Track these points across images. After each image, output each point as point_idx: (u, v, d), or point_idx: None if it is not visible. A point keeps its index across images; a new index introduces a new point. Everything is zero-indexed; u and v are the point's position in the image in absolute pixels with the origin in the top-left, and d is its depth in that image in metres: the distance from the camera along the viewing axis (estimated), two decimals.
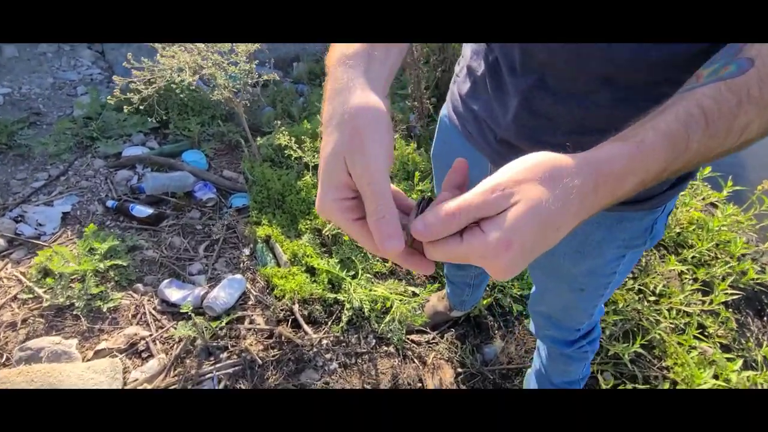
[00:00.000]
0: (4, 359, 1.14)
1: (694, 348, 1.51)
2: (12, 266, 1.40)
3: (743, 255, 1.90)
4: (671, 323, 1.60)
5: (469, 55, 0.68)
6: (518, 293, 1.58)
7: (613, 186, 0.33)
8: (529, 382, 1.21)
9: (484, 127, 0.67)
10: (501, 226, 0.31)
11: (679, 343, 1.51)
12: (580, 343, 0.94)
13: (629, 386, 1.37)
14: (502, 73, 0.60)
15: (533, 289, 0.93)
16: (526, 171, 0.32)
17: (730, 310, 1.74)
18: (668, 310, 1.63)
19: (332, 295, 1.46)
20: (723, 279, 1.71)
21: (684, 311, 1.63)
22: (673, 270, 1.81)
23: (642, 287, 1.69)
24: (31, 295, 1.31)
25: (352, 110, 0.37)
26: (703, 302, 1.66)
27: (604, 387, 1.34)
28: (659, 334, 1.54)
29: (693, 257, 1.83)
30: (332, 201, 0.37)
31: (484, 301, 1.54)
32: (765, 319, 1.77)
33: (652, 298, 1.69)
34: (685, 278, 1.77)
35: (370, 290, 1.51)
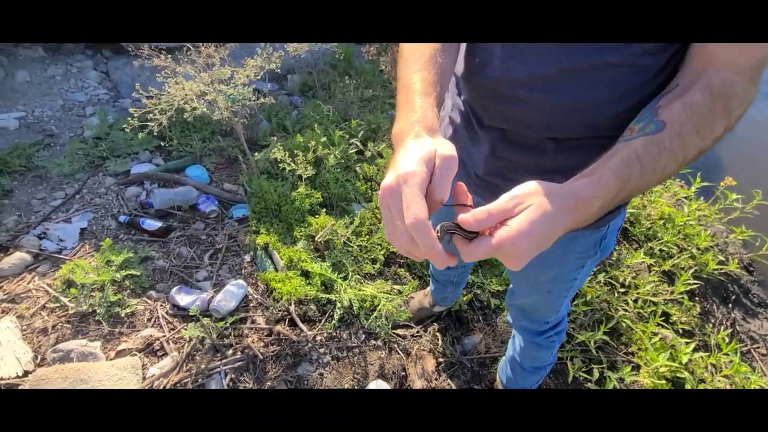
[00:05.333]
0: (39, 360, 1.31)
1: (656, 334, 1.65)
2: (39, 279, 1.56)
3: (710, 247, 2.04)
4: (637, 312, 1.75)
5: (449, 106, 0.85)
6: (496, 289, 1.73)
7: (585, 206, 0.46)
8: (503, 368, 1.37)
9: (465, 164, 0.83)
10: (523, 219, 0.43)
11: (643, 330, 1.65)
12: (548, 333, 1.10)
13: (595, 372, 1.51)
14: (474, 126, 0.76)
15: (510, 286, 1.09)
16: (533, 189, 0.46)
17: (697, 298, 1.88)
18: (635, 300, 1.77)
19: (325, 296, 1.62)
20: (686, 270, 1.84)
21: (650, 301, 1.77)
22: (643, 262, 1.95)
23: (611, 279, 1.84)
24: (57, 304, 1.48)
25: (404, 171, 0.46)
26: (671, 292, 1.80)
27: (572, 371, 1.49)
28: (625, 323, 1.68)
29: (660, 250, 1.97)
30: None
31: (465, 297, 1.69)
32: (729, 306, 1.91)
33: (621, 290, 1.83)
34: (654, 270, 1.91)
35: (359, 290, 1.67)
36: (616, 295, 1.79)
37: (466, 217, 0.45)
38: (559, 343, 1.18)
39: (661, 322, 1.70)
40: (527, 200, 0.44)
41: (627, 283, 1.84)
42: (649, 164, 0.50)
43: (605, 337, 1.59)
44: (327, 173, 2.04)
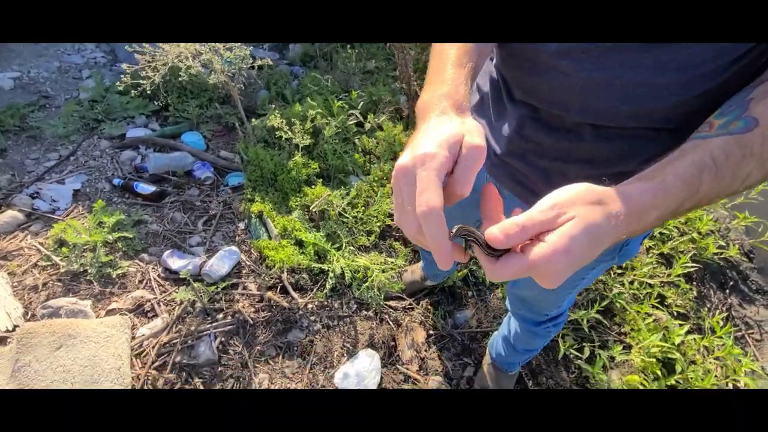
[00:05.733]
0: (30, 316, 1.31)
1: (651, 315, 1.64)
2: (31, 237, 1.56)
3: (711, 232, 2.00)
4: (633, 294, 1.73)
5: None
6: None
7: (639, 217, 0.39)
8: (494, 343, 1.36)
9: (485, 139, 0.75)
10: (562, 234, 0.36)
11: (637, 311, 1.64)
12: (546, 324, 1.07)
13: (586, 349, 1.51)
14: (503, 98, 0.67)
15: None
16: (578, 195, 0.38)
17: (694, 282, 1.86)
18: (630, 282, 1.75)
19: (317, 265, 1.61)
20: (685, 253, 1.82)
21: (647, 282, 1.76)
22: (641, 245, 1.92)
23: None
24: (49, 263, 1.47)
25: (428, 148, 0.41)
26: (668, 275, 1.79)
27: (563, 348, 1.48)
28: (620, 303, 1.67)
29: (660, 233, 1.94)
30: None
31: (460, 273, 1.67)
32: (727, 291, 1.89)
33: (619, 271, 1.81)
34: (652, 252, 1.89)
35: (353, 260, 1.66)
36: (612, 275, 1.78)
37: (493, 233, 0.38)
38: (555, 333, 1.16)
39: (656, 304, 1.68)
40: (570, 210, 0.38)
41: (624, 265, 1.82)
42: (728, 171, 0.40)
43: (598, 316, 1.58)
44: (325, 144, 2.01)
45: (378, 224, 1.80)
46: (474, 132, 0.43)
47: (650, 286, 1.75)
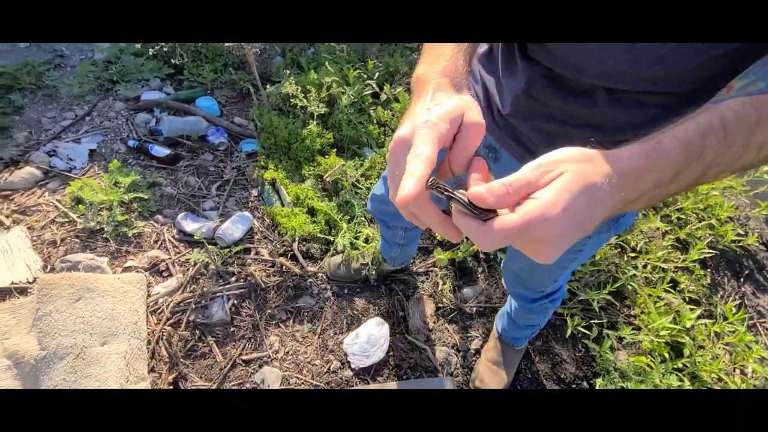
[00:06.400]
0: (49, 269, 1.34)
1: (662, 299, 1.63)
2: (49, 194, 1.58)
3: (730, 218, 1.96)
4: (645, 277, 1.72)
5: None
6: None
7: (634, 181, 0.35)
8: (501, 318, 1.36)
9: (490, 97, 0.69)
10: (556, 187, 0.32)
11: (649, 295, 1.63)
12: (542, 301, 1.06)
13: (594, 329, 1.51)
14: (515, 53, 0.62)
15: (507, 249, 1.04)
16: (565, 154, 0.35)
17: (709, 269, 1.84)
18: (644, 265, 1.73)
19: (325, 237, 1.61)
20: (702, 239, 1.79)
21: (660, 267, 1.73)
22: (658, 229, 1.89)
23: (622, 243, 1.79)
24: (66, 219, 1.49)
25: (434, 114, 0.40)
26: (683, 260, 1.76)
27: (570, 326, 1.49)
28: (631, 286, 1.66)
29: (678, 218, 1.90)
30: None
31: (472, 247, 1.66)
32: (741, 280, 1.86)
33: (632, 254, 1.79)
34: (668, 238, 1.86)
35: (357, 233, 1.65)
36: (626, 258, 1.76)
37: (478, 191, 0.33)
38: (553, 309, 1.15)
39: (669, 289, 1.67)
40: (559, 167, 0.34)
41: (638, 248, 1.79)
42: (739, 135, 0.36)
43: (609, 297, 1.57)
44: (340, 113, 1.98)
45: None
46: (473, 109, 0.41)
47: (663, 270, 1.73)
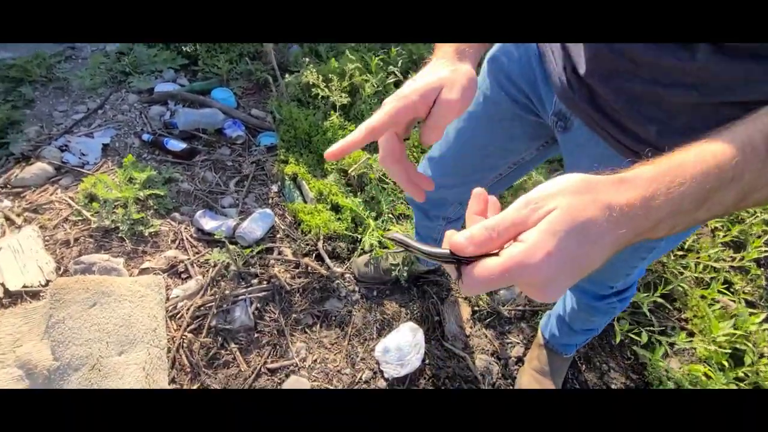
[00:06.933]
0: (62, 271, 1.26)
1: (717, 302, 1.50)
2: (61, 191, 1.50)
3: None
4: (696, 277, 1.59)
5: None
6: None
7: (645, 211, 0.31)
8: (547, 323, 1.25)
9: (568, 53, 0.60)
10: (540, 231, 0.30)
11: (702, 297, 1.50)
12: (610, 299, 0.94)
13: (644, 335, 1.39)
14: None
15: None
16: (560, 185, 0.32)
17: (761, 268, 1.70)
18: (695, 264, 1.60)
19: (351, 234, 1.51)
20: (758, 236, 1.65)
21: (711, 266, 1.60)
22: (706, 226, 1.75)
23: None
24: (80, 218, 1.41)
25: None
26: (734, 259, 1.63)
27: (618, 333, 1.37)
28: (682, 287, 1.53)
29: (731, 215, 1.76)
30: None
31: None
32: None
33: (680, 253, 1.66)
34: (718, 234, 1.72)
35: (386, 229, 1.55)
36: (673, 257, 1.63)
37: (458, 241, 0.31)
38: (620, 311, 1.03)
39: (722, 290, 1.54)
40: (550, 203, 0.31)
41: (686, 246, 1.66)
42: None
43: (661, 300, 1.45)
44: (363, 104, 1.87)
45: None
46: (456, 85, 0.44)
47: (716, 270, 1.60)
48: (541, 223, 0.30)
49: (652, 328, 1.42)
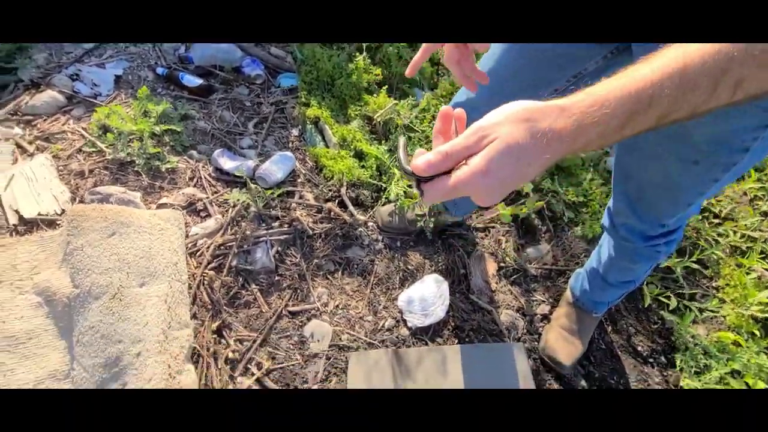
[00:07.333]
0: (77, 201, 1.21)
1: (753, 270, 1.44)
2: (74, 122, 1.42)
3: None
4: (731, 245, 1.52)
5: None
6: (572, 200, 1.51)
7: (573, 136, 0.37)
8: (578, 279, 1.20)
9: None
10: (481, 156, 0.38)
11: (738, 265, 1.45)
12: (657, 240, 0.86)
13: (673, 300, 1.34)
14: None
15: (614, 165, 0.84)
16: (505, 114, 0.39)
17: None
18: (733, 232, 1.53)
19: (375, 182, 1.44)
20: None
21: (749, 235, 1.53)
22: (745, 194, 1.67)
23: (705, 207, 1.59)
24: (94, 149, 1.35)
25: None
26: None
27: (648, 297, 1.32)
28: (716, 254, 1.47)
29: None
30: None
31: (536, 203, 1.48)
32: None
33: (716, 221, 1.59)
34: (758, 204, 1.64)
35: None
36: (707, 225, 1.56)
37: (416, 164, 0.41)
38: (664, 257, 0.97)
39: (760, 259, 1.48)
40: (495, 131, 0.38)
41: (722, 215, 1.59)
42: (702, 76, 0.35)
43: (695, 265, 1.39)
44: (390, 47, 1.74)
45: None
46: None
47: (752, 240, 1.53)
48: (483, 150, 0.38)
49: (681, 292, 1.38)
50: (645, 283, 1.40)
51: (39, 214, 1.16)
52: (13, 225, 1.14)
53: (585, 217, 1.49)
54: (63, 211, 1.18)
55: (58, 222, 1.15)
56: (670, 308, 1.34)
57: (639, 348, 1.28)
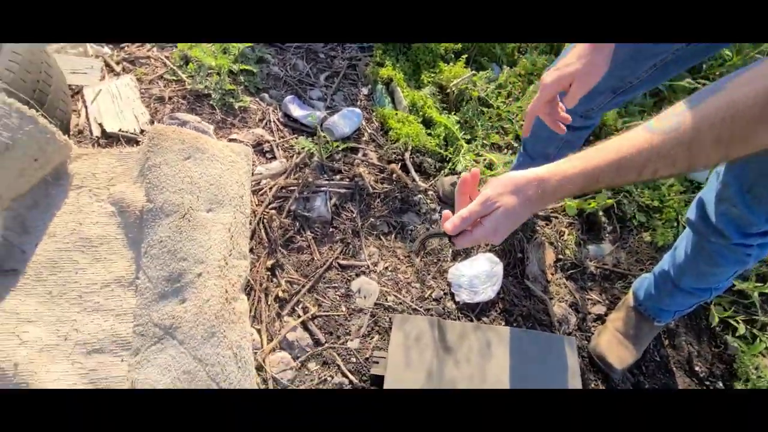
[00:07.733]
0: (156, 124, 1.25)
1: None
2: (158, 50, 1.46)
3: None
4: None
5: None
6: (646, 203, 1.41)
7: (552, 196, 0.58)
8: (643, 283, 1.12)
9: None
10: (490, 220, 0.58)
11: None
12: (754, 239, 0.78)
13: (741, 326, 1.24)
14: None
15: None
16: (503, 187, 0.58)
17: None
18: None
19: (442, 152, 1.40)
20: None
21: None
22: None
23: None
24: (174, 78, 1.38)
25: None
26: None
27: (716, 317, 1.23)
28: None
29: None
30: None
31: (607, 200, 1.39)
32: None
33: None
34: None
35: (478, 154, 1.43)
36: None
37: (447, 227, 0.60)
38: (753, 262, 0.86)
39: None
40: (498, 200, 0.57)
41: None
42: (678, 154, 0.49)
43: None
44: None
45: (519, 123, 1.51)
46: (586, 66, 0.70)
47: None
48: (492, 215, 0.57)
49: (754, 319, 1.27)
50: (713, 302, 1.30)
51: (120, 130, 1.20)
52: (96, 137, 1.20)
53: (657, 223, 1.39)
54: (142, 131, 1.22)
55: (138, 140, 1.20)
56: (737, 333, 1.24)
57: (696, 368, 1.20)
